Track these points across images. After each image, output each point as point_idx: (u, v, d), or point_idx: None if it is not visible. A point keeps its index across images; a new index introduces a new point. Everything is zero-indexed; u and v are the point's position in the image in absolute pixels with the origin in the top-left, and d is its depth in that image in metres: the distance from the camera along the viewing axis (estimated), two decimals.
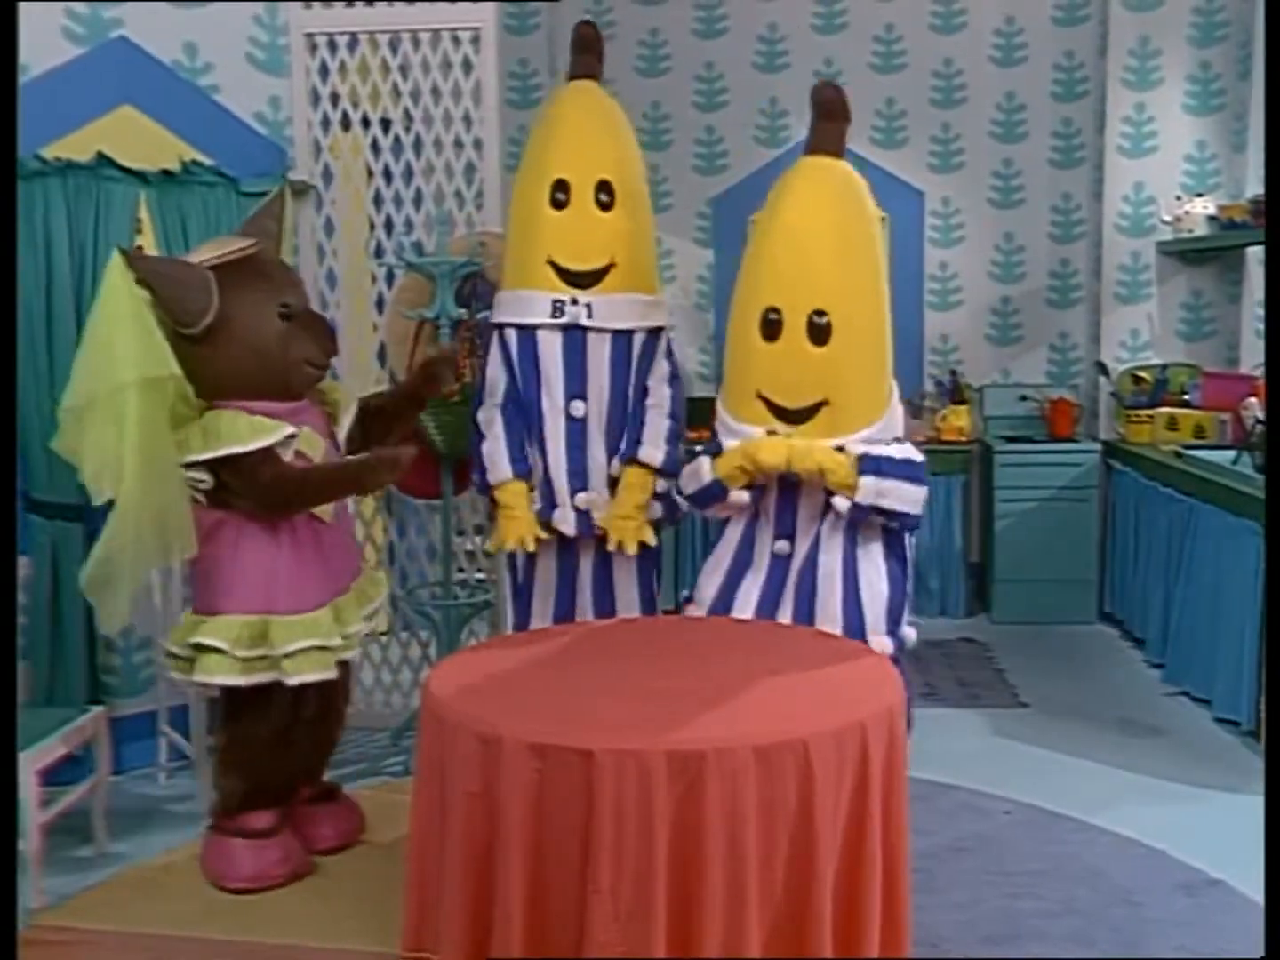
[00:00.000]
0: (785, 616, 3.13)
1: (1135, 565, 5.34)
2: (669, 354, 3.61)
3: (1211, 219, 5.42)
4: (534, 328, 3.47)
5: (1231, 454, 4.59)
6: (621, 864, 2.20)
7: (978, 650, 5.38)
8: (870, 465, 3.03)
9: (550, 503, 3.51)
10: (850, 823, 2.36)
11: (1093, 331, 6.05)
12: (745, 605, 3.16)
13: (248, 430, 3.01)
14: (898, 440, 3.17)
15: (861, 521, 3.10)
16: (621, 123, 3.61)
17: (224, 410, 3.04)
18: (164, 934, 2.96)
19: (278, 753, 3.17)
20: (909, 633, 3.20)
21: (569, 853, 2.24)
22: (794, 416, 3.12)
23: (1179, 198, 5.64)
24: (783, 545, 3.19)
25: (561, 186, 3.44)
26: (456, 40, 4.15)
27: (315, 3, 4.47)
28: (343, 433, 3.28)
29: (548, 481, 3.51)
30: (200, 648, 3.04)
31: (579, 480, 3.50)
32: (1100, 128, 5.90)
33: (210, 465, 3.01)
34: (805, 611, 3.11)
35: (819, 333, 3.06)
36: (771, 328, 3.11)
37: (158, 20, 3.93)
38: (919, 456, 3.16)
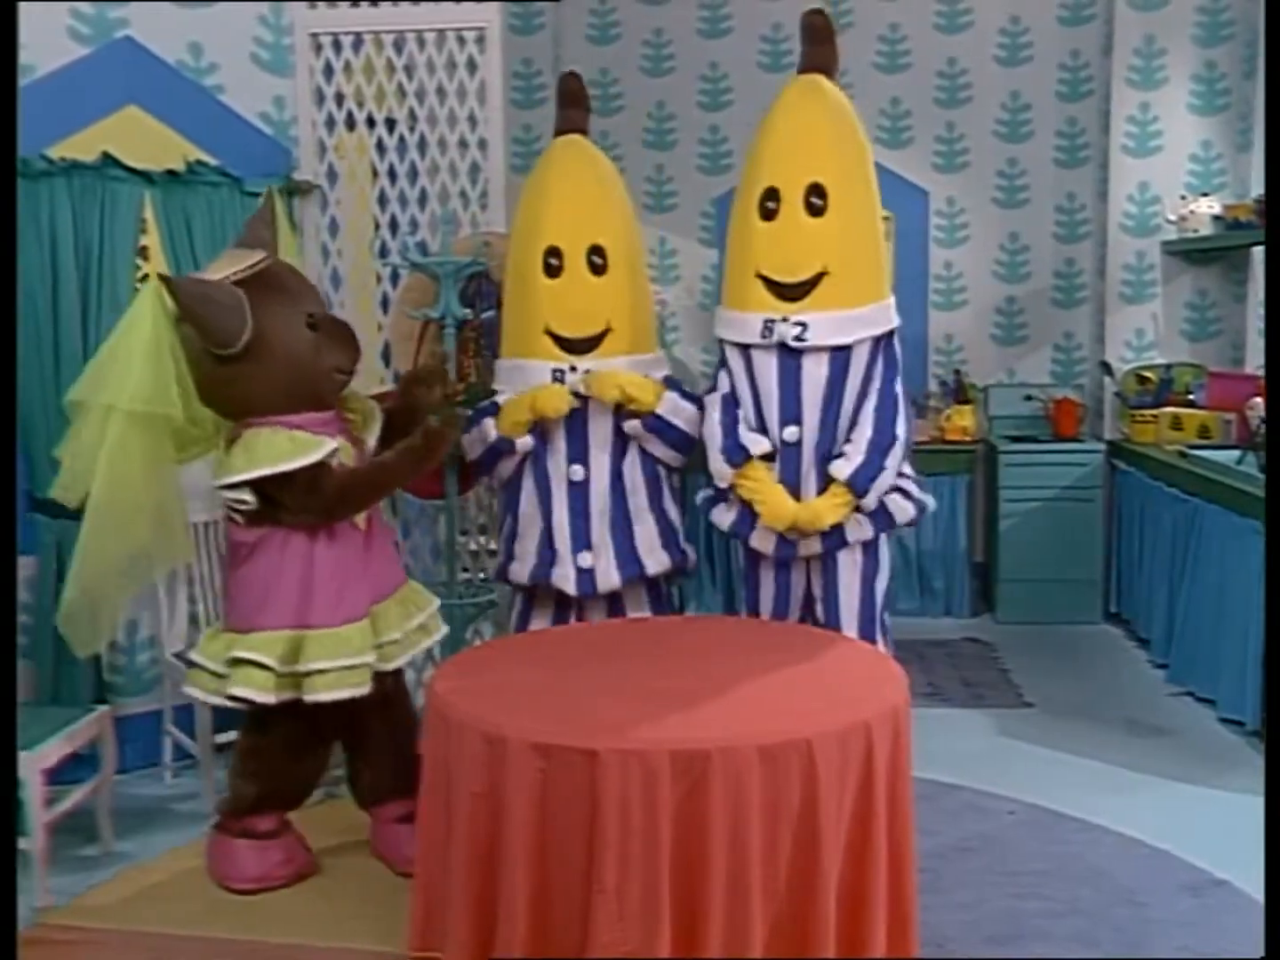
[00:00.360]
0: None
1: (1140, 565, 5.33)
2: (683, 395, 3.63)
3: (1216, 218, 5.41)
4: None
5: (1236, 454, 4.58)
6: (626, 863, 2.20)
7: (982, 650, 5.38)
8: (861, 483, 3.23)
9: (550, 561, 3.52)
10: (855, 822, 2.36)
11: (1097, 331, 6.05)
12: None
13: (291, 447, 2.98)
14: (891, 333, 3.34)
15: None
16: (613, 182, 3.66)
17: (261, 429, 3.00)
18: (168, 933, 2.97)
19: (294, 763, 3.17)
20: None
21: (573, 852, 2.25)
22: (795, 292, 3.28)
23: (1184, 197, 5.64)
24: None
25: (554, 253, 3.48)
26: (461, 40, 4.15)
27: (320, 2, 4.47)
28: (372, 441, 3.25)
29: (549, 541, 3.54)
30: (239, 661, 3.01)
31: (581, 541, 3.52)
32: (1105, 127, 5.89)
33: (256, 484, 2.99)
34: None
35: (816, 207, 3.24)
36: (771, 209, 3.29)
37: (163, 20, 3.94)
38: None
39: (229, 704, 3.07)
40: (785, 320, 3.26)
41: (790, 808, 2.26)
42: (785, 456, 3.32)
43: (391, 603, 3.18)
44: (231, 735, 3.76)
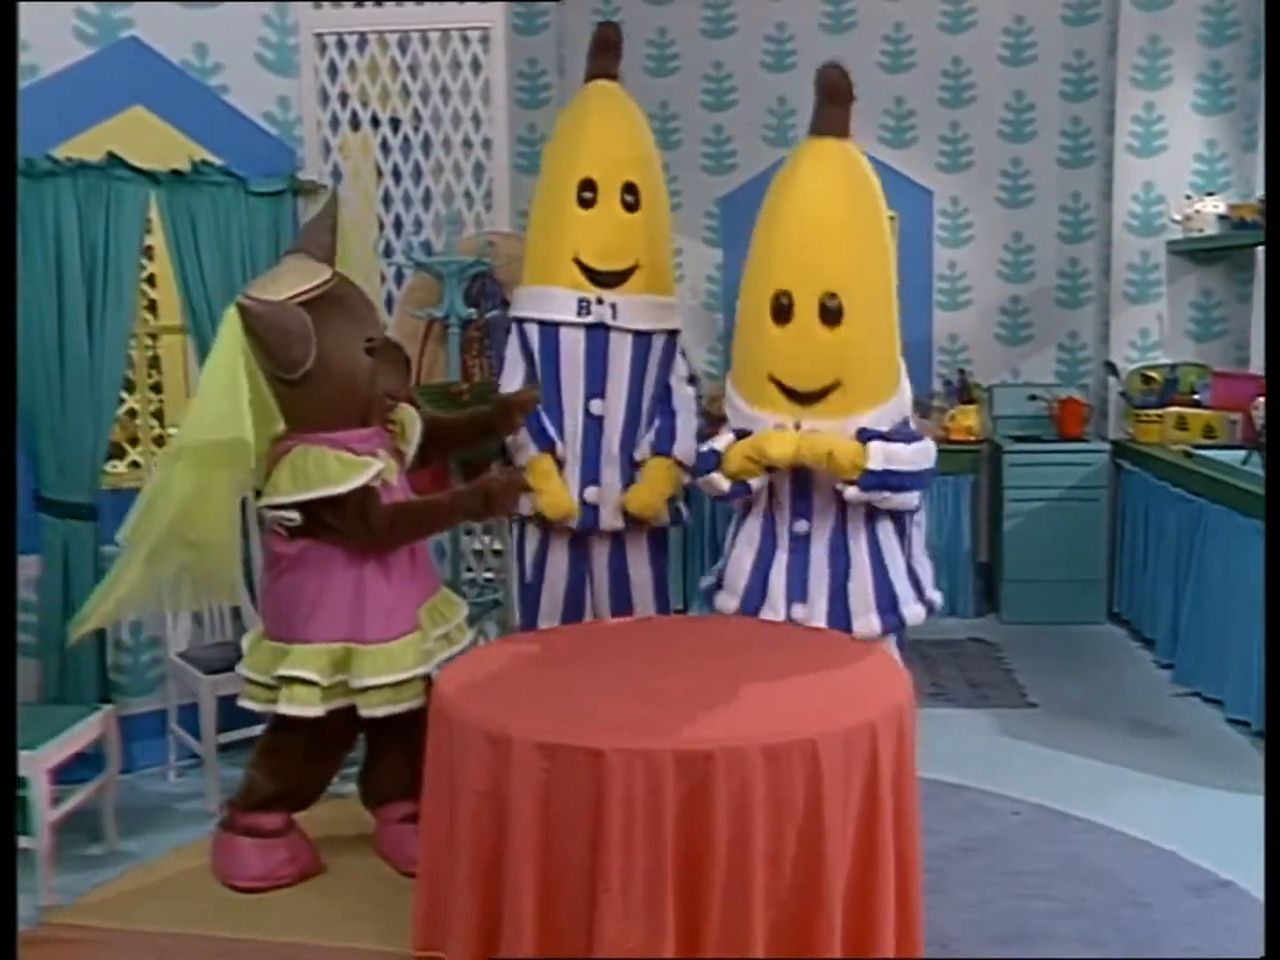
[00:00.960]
0: (820, 594, 3.17)
1: (1144, 565, 5.32)
2: (683, 354, 3.66)
3: (1221, 218, 5.40)
4: (557, 324, 3.50)
5: (1241, 454, 4.57)
6: (631, 862, 2.20)
7: (986, 650, 5.37)
8: (873, 435, 3.10)
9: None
10: (861, 823, 2.36)
11: (1102, 331, 6.04)
12: (777, 584, 3.20)
13: (340, 469, 2.99)
14: (906, 420, 3.23)
15: (873, 500, 3.13)
16: (644, 125, 3.66)
17: (310, 448, 3.00)
18: (173, 932, 2.97)
19: (316, 764, 3.18)
20: (935, 597, 3.34)
21: (578, 851, 2.25)
22: (806, 399, 3.15)
23: (1189, 197, 5.63)
24: (801, 525, 3.23)
25: (589, 186, 3.46)
26: (465, 40, 4.16)
27: (324, 2, 4.48)
28: (411, 450, 3.25)
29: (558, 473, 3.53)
30: (288, 679, 3.02)
31: (590, 475, 3.53)
32: (1110, 127, 5.88)
33: (303, 505, 3.00)
34: (840, 587, 3.17)
35: (831, 315, 3.09)
36: (783, 311, 3.13)
37: (168, 20, 3.94)
38: (924, 438, 3.22)
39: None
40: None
41: (794, 807, 2.26)
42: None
43: (424, 610, 3.19)
44: (235, 735, 3.78)
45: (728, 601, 3.28)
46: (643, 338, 3.54)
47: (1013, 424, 6.08)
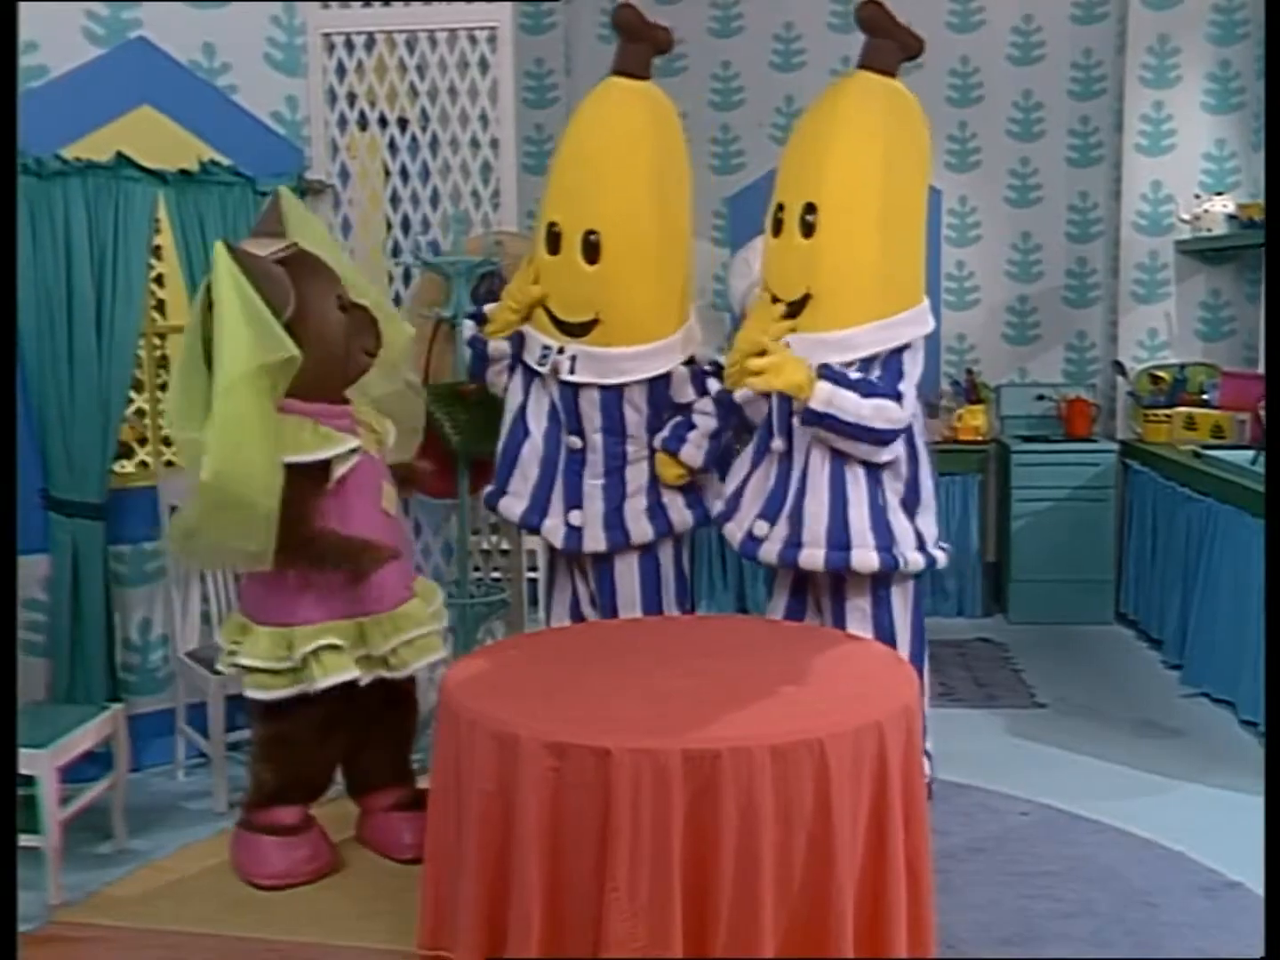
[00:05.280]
0: (782, 515, 3.30)
1: (1152, 565, 5.31)
2: (703, 372, 3.58)
3: (1230, 218, 5.39)
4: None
5: (1250, 454, 4.56)
6: (638, 862, 2.20)
7: (994, 650, 5.36)
8: (834, 375, 3.16)
9: (542, 512, 3.54)
10: (870, 823, 2.36)
11: (1110, 331, 6.03)
12: (747, 498, 3.40)
13: (314, 440, 3.00)
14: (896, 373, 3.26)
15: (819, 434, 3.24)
16: (646, 144, 3.38)
17: (288, 416, 3.01)
18: (182, 930, 2.97)
19: (313, 749, 3.18)
20: (938, 555, 3.40)
21: (585, 851, 2.25)
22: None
23: (1197, 196, 5.62)
24: (779, 442, 3.36)
25: (553, 230, 3.42)
26: (473, 40, 4.16)
27: (332, 3, 4.48)
28: (388, 449, 3.27)
29: (546, 494, 3.54)
30: (318, 650, 3.05)
31: (574, 500, 3.53)
32: (1118, 126, 5.87)
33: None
34: (796, 509, 3.27)
35: (808, 227, 3.21)
36: (777, 225, 3.30)
37: (176, 21, 3.94)
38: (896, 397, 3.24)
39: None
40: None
41: (803, 808, 2.26)
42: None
43: (386, 618, 3.16)
44: (243, 734, 3.78)
45: (715, 505, 3.55)
46: (611, 390, 3.46)
47: (1020, 424, 6.07)
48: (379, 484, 3.19)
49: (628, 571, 3.59)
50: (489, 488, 3.66)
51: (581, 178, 3.35)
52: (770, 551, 3.32)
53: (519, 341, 3.56)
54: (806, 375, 3.13)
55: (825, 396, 3.12)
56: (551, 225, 3.38)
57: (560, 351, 3.42)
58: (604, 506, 3.52)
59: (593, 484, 3.53)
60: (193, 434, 2.88)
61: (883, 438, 3.20)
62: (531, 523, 3.57)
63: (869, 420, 3.15)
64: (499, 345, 3.58)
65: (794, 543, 3.28)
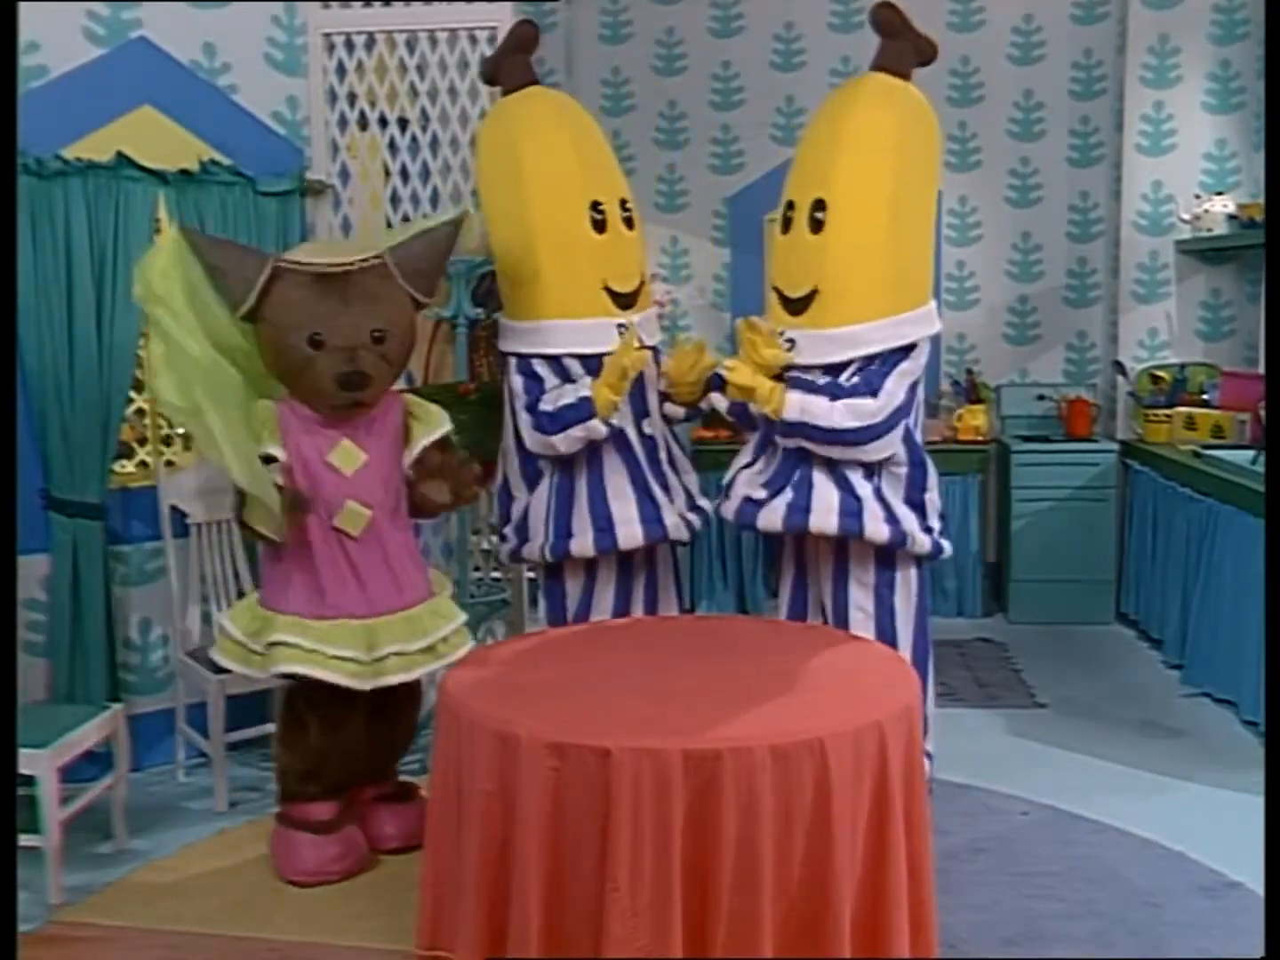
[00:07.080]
0: (787, 488, 3.27)
1: (1153, 565, 5.31)
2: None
3: (1231, 218, 5.39)
4: (600, 355, 3.39)
5: (1250, 454, 4.56)
6: (639, 862, 2.20)
7: (995, 650, 5.36)
8: (803, 384, 3.18)
9: (656, 516, 3.48)
10: (871, 823, 2.35)
11: (1110, 331, 6.03)
12: (741, 478, 3.39)
13: (264, 432, 3.07)
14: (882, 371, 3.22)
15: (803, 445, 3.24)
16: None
17: (273, 405, 3.12)
18: (182, 930, 2.97)
19: (331, 735, 3.18)
20: (945, 544, 3.41)
21: (586, 851, 2.25)
22: (795, 306, 3.27)
23: (1198, 196, 5.62)
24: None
25: (597, 208, 3.44)
26: (473, 39, 4.16)
27: (333, 3, 4.48)
28: (413, 452, 3.21)
29: (645, 493, 3.49)
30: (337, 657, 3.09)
31: (662, 486, 3.56)
32: (1119, 126, 5.87)
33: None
34: (804, 483, 3.25)
35: (816, 224, 3.20)
36: (786, 223, 3.31)
37: (177, 21, 3.94)
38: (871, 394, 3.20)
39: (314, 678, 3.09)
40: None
41: (803, 808, 2.26)
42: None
43: (392, 621, 3.16)
44: (243, 734, 3.80)
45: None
46: (654, 352, 3.61)
47: (1021, 424, 6.07)
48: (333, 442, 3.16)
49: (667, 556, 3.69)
50: (546, 543, 3.50)
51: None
52: (772, 518, 3.24)
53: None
54: (769, 386, 3.18)
55: (797, 407, 3.14)
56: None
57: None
58: (697, 480, 3.67)
59: (669, 467, 3.60)
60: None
61: (859, 438, 3.16)
62: (655, 535, 3.46)
63: (839, 422, 3.14)
64: (599, 428, 3.34)
65: (801, 507, 3.20)
